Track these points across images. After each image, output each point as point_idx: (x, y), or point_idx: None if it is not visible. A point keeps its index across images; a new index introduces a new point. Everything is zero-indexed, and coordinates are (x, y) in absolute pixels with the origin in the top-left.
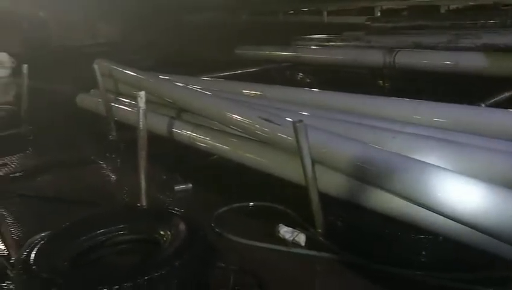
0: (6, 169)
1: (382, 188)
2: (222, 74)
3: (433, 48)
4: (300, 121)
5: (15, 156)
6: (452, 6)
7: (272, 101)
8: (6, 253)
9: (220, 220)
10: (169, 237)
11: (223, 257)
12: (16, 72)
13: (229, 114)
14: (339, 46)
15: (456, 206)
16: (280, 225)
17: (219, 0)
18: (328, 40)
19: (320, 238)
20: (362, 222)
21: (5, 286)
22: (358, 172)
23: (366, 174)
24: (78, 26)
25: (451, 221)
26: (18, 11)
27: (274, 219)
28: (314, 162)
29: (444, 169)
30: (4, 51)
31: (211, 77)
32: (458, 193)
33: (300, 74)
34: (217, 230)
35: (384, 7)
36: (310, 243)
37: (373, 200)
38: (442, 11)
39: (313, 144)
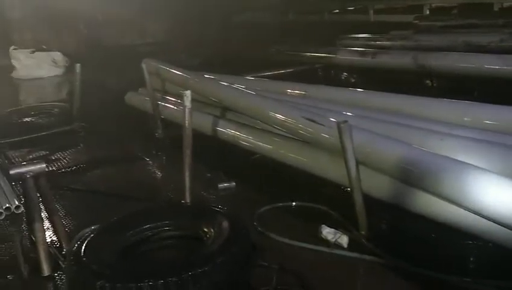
0: (59, 164)
1: (427, 191)
2: (266, 74)
3: (484, 47)
4: (345, 121)
5: (67, 152)
6: (506, 4)
7: (315, 100)
8: (58, 244)
9: (262, 219)
10: (213, 234)
11: (265, 255)
12: (68, 70)
13: (272, 113)
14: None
15: (506, 211)
16: (322, 225)
17: (266, 0)
18: (374, 40)
19: (363, 240)
20: (406, 225)
21: (57, 275)
22: (403, 174)
23: (411, 176)
24: (128, 26)
25: (499, 226)
26: (76, 11)
27: (316, 219)
28: (358, 163)
29: (493, 173)
30: (59, 50)
31: (255, 76)
32: (508, 198)
33: (345, 73)
34: (259, 229)
35: (433, 5)
36: (353, 245)
37: (418, 203)
38: (496, 8)
39: (358, 144)
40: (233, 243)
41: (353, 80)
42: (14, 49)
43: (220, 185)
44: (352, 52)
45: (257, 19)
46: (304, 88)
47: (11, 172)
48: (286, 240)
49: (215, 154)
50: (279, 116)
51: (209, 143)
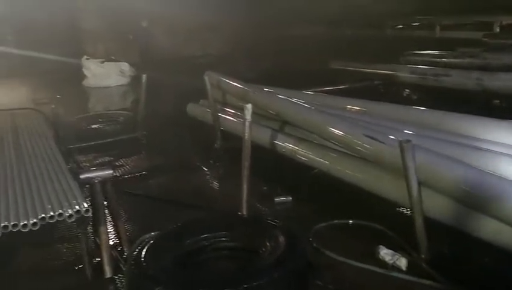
0: (122, 170)
1: (494, 216)
2: (324, 88)
3: None
4: (408, 140)
5: (130, 158)
6: None
7: (375, 118)
8: (119, 248)
9: (318, 236)
10: (269, 247)
11: (320, 273)
12: (134, 80)
13: (332, 129)
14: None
15: None
16: (380, 246)
17: (324, 14)
18: (441, 57)
19: (423, 264)
20: (470, 250)
21: (117, 278)
22: (467, 197)
23: (476, 200)
24: (190, 38)
25: None
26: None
27: (374, 239)
28: (420, 183)
29: None
30: (126, 61)
31: (313, 91)
32: None
33: (407, 90)
34: (314, 245)
35: (504, 22)
36: (411, 268)
37: (483, 229)
38: None
39: (420, 164)
40: (290, 258)
41: (415, 98)
42: (86, 59)
43: (277, 199)
44: (415, 69)
45: (316, 33)
46: (364, 104)
47: (81, 177)
48: (342, 259)
49: (272, 167)
50: (338, 132)
51: (267, 156)
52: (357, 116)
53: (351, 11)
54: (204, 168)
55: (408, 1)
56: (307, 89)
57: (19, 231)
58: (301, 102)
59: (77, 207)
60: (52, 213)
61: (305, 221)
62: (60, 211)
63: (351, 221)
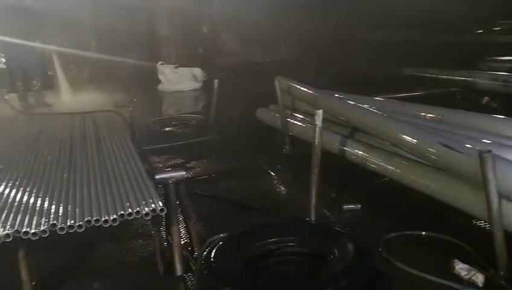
0: (193, 172)
1: None
2: (396, 95)
3: None
4: (488, 150)
5: (201, 161)
6: None
7: (452, 126)
8: (190, 248)
9: (388, 246)
10: (337, 255)
11: (391, 285)
12: (205, 85)
13: (404, 137)
14: None
15: None
16: (455, 260)
17: (399, 19)
18: None
19: (502, 281)
20: None
21: (188, 276)
22: None
23: None
24: (260, 44)
25: None
26: (214, 30)
27: (447, 252)
28: (500, 196)
29: None
30: (198, 66)
31: (385, 97)
32: None
33: (486, 98)
34: (384, 255)
35: None
36: (489, 285)
37: None
38: None
39: (500, 176)
40: (358, 267)
41: (495, 106)
42: (161, 64)
43: (345, 206)
44: (495, 76)
45: (388, 38)
46: (440, 112)
47: (157, 177)
48: (414, 271)
49: (341, 174)
50: (411, 139)
51: (336, 162)
52: (432, 124)
53: (428, 16)
54: (272, 173)
55: (489, 5)
56: (378, 96)
57: (100, 226)
58: (372, 108)
59: (153, 206)
60: (130, 211)
61: (375, 230)
62: (138, 209)
63: (423, 232)
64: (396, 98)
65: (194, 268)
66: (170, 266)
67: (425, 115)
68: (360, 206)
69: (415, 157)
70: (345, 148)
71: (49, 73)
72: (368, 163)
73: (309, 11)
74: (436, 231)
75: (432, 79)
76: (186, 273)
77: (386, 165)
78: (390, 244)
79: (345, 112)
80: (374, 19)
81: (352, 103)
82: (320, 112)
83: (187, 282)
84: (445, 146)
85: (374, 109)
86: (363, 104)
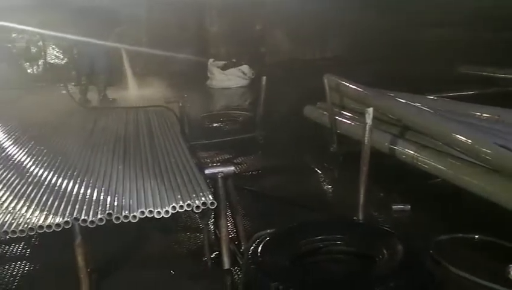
0: (240, 167)
1: None
2: (450, 94)
3: None
4: None
5: (248, 157)
6: None
7: (509, 126)
8: (237, 242)
9: (439, 248)
10: (386, 255)
11: (441, 287)
12: (253, 82)
13: (458, 137)
14: None
15: None
16: (511, 265)
17: (453, 16)
18: None
19: None
20: None
21: (234, 270)
22: None
23: None
24: (309, 41)
25: None
26: (261, 27)
27: (503, 257)
28: None
29: None
30: (246, 63)
31: (438, 96)
32: None
33: None
34: (435, 257)
35: None
36: None
37: None
38: None
39: None
40: (409, 268)
41: None
42: (212, 61)
43: (394, 207)
44: None
45: (444, 35)
46: (496, 112)
47: (206, 172)
48: (466, 275)
49: (390, 174)
50: (465, 140)
51: (385, 162)
52: (487, 124)
53: (485, 12)
54: (318, 171)
55: None
56: (431, 95)
57: (152, 217)
58: (424, 107)
59: (204, 199)
60: (182, 203)
61: (425, 232)
62: (189, 202)
63: (476, 236)
64: (449, 97)
65: (241, 262)
66: (217, 259)
67: (480, 115)
68: (409, 207)
69: (469, 157)
70: (395, 147)
71: (116, 70)
72: (419, 163)
73: (361, 8)
74: (490, 234)
75: (488, 78)
76: (233, 267)
77: (437, 166)
78: (442, 247)
79: (396, 110)
80: (430, 16)
81: (403, 101)
82: (370, 110)
83: (234, 275)
84: (501, 146)
85: (426, 107)
86: (414, 103)
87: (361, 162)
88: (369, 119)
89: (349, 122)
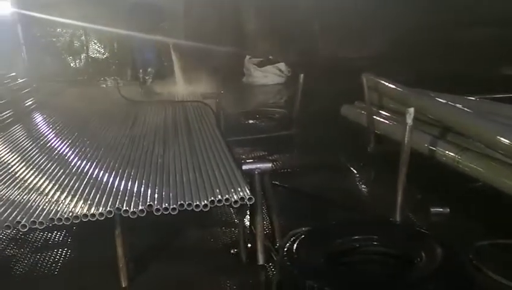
0: (275, 164)
1: None
2: (492, 96)
3: None
4: None
5: (283, 155)
6: None
7: None
8: (271, 239)
9: (479, 254)
10: (424, 258)
11: None
12: (289, 79)
13: (503, 140)
14: None
15: None
16: None
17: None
18: None
19: None
20: None
21: (268, 266)
22: None
23: None
24: (347, 39)
25: None
26: (299, 24)
27: None
28: None
29: None
30: (283, 61)
31: (481, 97)
32: None
33: None
34: (475, 263)
35: None
36: None
37: None
38: None
39: None
40: (448, 272)
41: None
42: (249, 58)
43: (433, 209)
44: None
45: (489, 36)
46: None
47: (244, 167)
48: (508, 283)
49: (429, 175)
50: (509, 142)
51: (424, 163)
52: None
53: None
54: (354, 170)
55: None
56: (473, 95)
57: (191, 210)
58: (466, 108)
59: (241, 194)
60: (220, 197)
61: (464, 236)
62: (227, 196)
63: None
64: (493, 99)
65: (275, 259)
66: (252, 254)
67: None
68: (448, 210)
69: None
70: (435, 149)
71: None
72: (460, 165)
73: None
74: None
75: None
76: (268, 263)
77: (480, 169)
78: (482, 252)
79: (437, 110)
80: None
81: (444, 101)
82: (411, 110)
83: (268, 271)
84: None
85: (468, 109)
86: (455, 104)
87: (401, 162)
88: (409, 120)
89: (387, 122)
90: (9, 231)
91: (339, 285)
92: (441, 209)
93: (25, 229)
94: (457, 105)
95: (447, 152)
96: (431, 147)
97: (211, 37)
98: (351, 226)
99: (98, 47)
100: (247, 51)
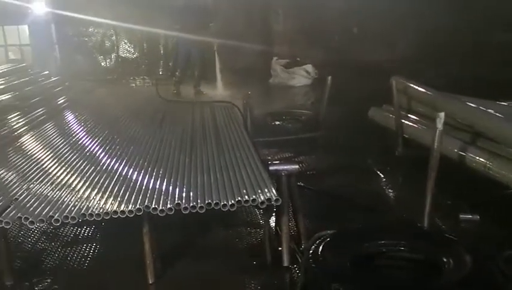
0: (301, 166)
1: None
2: None
3: None
4: None
5: (309, 156)
6: None
7: None
8: (297, 240)
9: (508, 262)
10: (452, 265)
11: None
12: (316, 81)
13: None
14: None
15: None
16: None
17: None
18: None
19: None
20: None
21: (293, 267)
22: None
23: None
24: (377, 42)
25: None
26: (327, 27)
27: None
28: None
29: None
30: (310, 62)
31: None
32: None
33: None
34: (505, 272)
35: None
36: None
37: None
38: None
39: None
40: (477, 280)
41: None
42: (276, 59)
43: (462, 216)
44: None
45: None
46: None
47: (270, 168)
48: None
49: (459, 181)
50: None
51: (453, 168)
52: None
53: None
54: (381, 174)
55: None
56: (504, 100)
57: (219, 209)
58: (497, 114)
59: (268, 195)
60: (247, 198)
61: (494, 245)
62: (254, 196)
63: None
64: None
65: (300, 261)
66: (277, 256)
67: None
68: (478, 217)
69: None
70: (465, 154)
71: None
72: (491, 172)
73: (434, 7)
74: None
75: None
76: (293, 265)
77: (511, 175)
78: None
79: (468, 115)
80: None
81: (475, 106)
82: (442, 114)
83: (293, 273)
84: None
85: (500, 114)
86: (486, 109)
87: (430, 167)
88: (440, 124)
89: (416, 125)
90: (42, 225)
91: (365, 289)
92: (471, 216)
93: (58, 224)
94: (489, 110)
95: (477, 158)
96: (461, 153)
97: (240, 38)
98: (377, 230)
99: (128, 47)
100: (275, 52)
